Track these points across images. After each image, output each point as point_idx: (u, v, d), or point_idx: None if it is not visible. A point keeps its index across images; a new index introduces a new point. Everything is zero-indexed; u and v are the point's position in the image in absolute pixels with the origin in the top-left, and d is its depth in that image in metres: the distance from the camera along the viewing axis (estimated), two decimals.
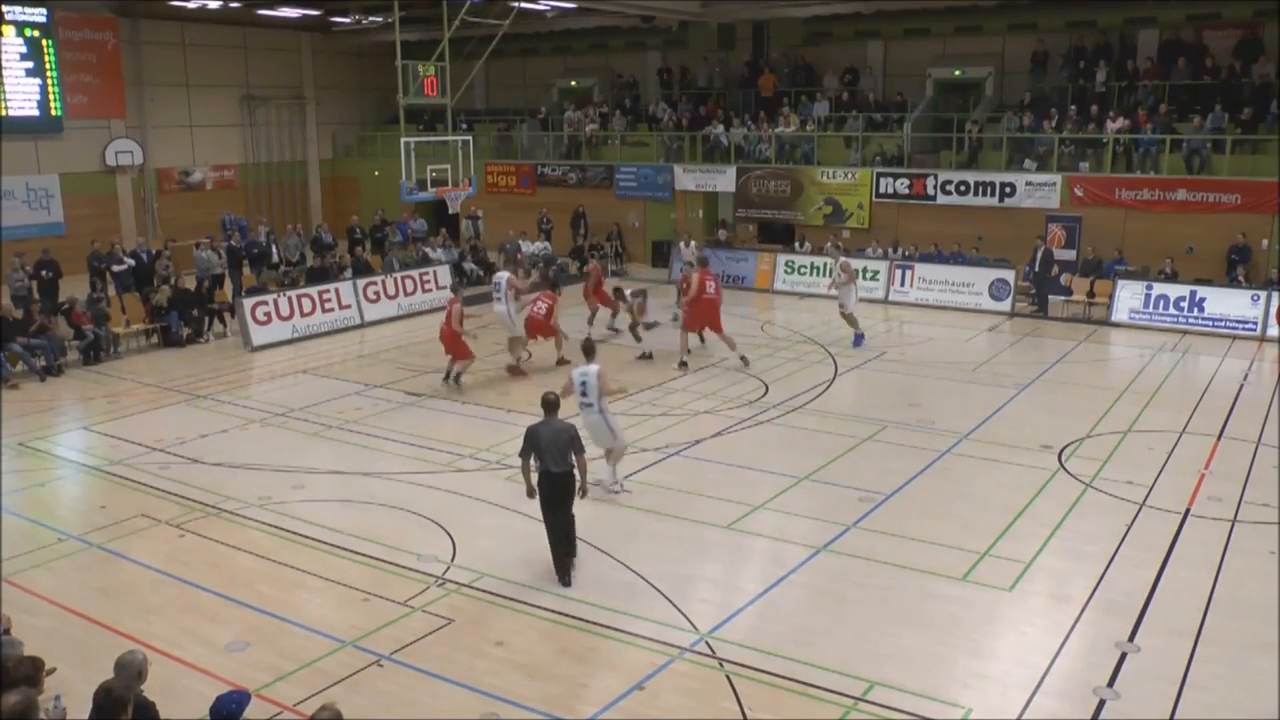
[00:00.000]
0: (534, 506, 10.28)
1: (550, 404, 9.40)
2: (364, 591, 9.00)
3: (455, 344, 15.50)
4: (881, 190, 25.05)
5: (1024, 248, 21.63)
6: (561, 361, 16.58)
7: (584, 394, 10.74)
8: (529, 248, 26.00)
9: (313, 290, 20.20)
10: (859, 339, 18.23)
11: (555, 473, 9.01)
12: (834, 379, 16.16)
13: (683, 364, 16.75)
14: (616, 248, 27.41)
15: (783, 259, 24.37)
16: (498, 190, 30.57)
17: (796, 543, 9.92)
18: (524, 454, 9.19)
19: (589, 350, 11.29)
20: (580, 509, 10.78)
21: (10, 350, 16.41)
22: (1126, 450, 12.64)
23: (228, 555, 9.81)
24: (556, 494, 9.05)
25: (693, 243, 23.04)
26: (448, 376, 15.72)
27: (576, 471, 9.15)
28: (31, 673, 6.36)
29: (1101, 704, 7.20)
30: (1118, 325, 20.14)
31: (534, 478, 9.16)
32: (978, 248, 22.95)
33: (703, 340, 18.09)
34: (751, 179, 26.75)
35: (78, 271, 21.90)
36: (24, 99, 26.06)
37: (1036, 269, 21.17)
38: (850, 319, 18.28)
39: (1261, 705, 7.19)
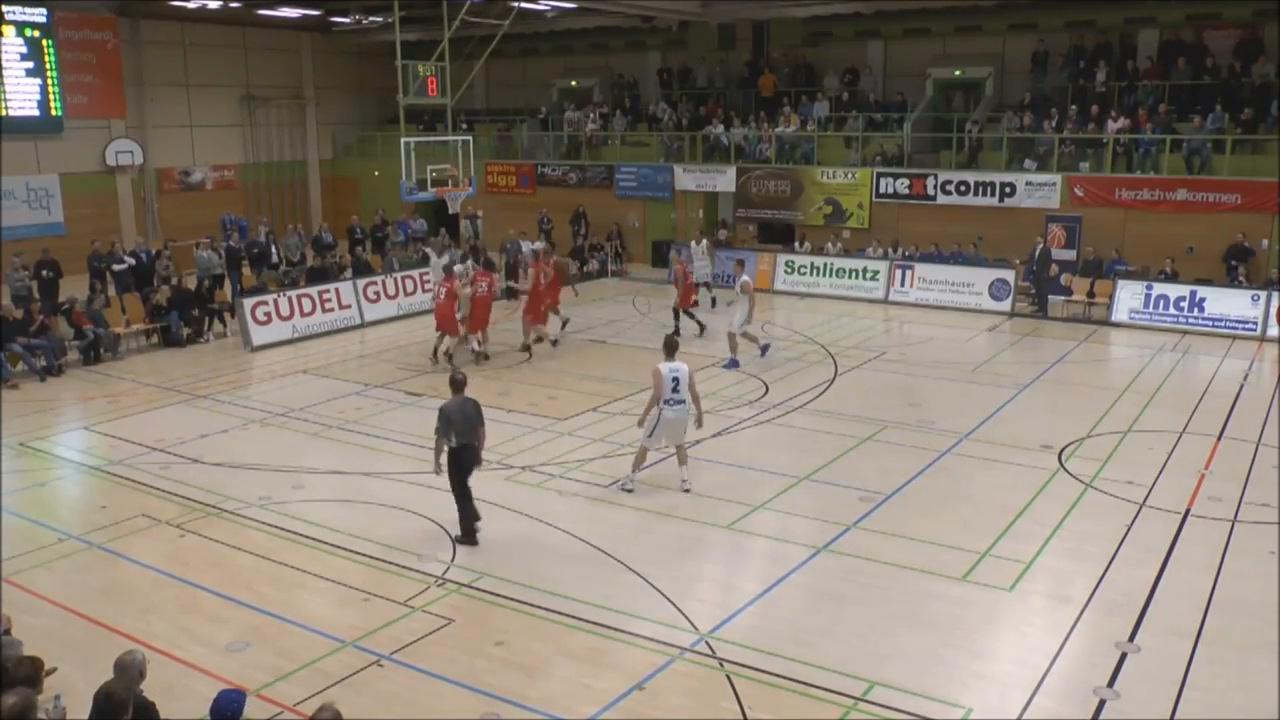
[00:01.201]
0: (537, 508, 10.29)
1: (459, 383, 10.03)
2: (364, 591, 9.00)
3: (450, 320, 16.63)
4: (881, 190, 25.05)
5: (1024, 248, 21.64)
6: (482, 356, 17.27)
7: (675, 389, 10.97)
8: (529, 247, 25.98)
9: (313, 290, 20.20)
10: (733, 363, 16.70)
11: (469, 446, 9.73)
12: (834, 379, 16.16)
13: (559, 341, 18.12)
14: (616, 248, 27.42)
15: (783, 259, 24.37)
16: (498, 190, 30.59)
17: (796, 543, 9.93)
18: (443, 431, 9.69)
19: (673, 347, 11.44)
20: (581, 509, 10.85)
21: (10, 350, 16.42)
22: (1126, 450, 12.64)
23: (228, 555, 9.82)
24: (466, 466, 9.76)
25: (704, 241, 22.37)
26: (436, 354, 16.72)
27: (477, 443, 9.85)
28: (31, 673, 6.35)
29: (1101, 704, 7.20)
30: (1118, 325, 20.15)
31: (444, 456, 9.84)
32: (976, 245, 22.92)
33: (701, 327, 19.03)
34: (751, 179, 26.76)
35: (78, 271, 21.90)
36: (24, 99, 26.07)
37: (1035, 268, 21.19)
38: (732, 339, 16.78)
39: (1261, 705, 7.19)
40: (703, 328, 19.17)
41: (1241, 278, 20.28)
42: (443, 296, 16.70)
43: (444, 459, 9.82)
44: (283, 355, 18.27)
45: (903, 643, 8.05)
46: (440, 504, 10.86)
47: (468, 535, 9.92)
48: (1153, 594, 8.85)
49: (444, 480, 11.56)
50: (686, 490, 11.18)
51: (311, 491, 11.47)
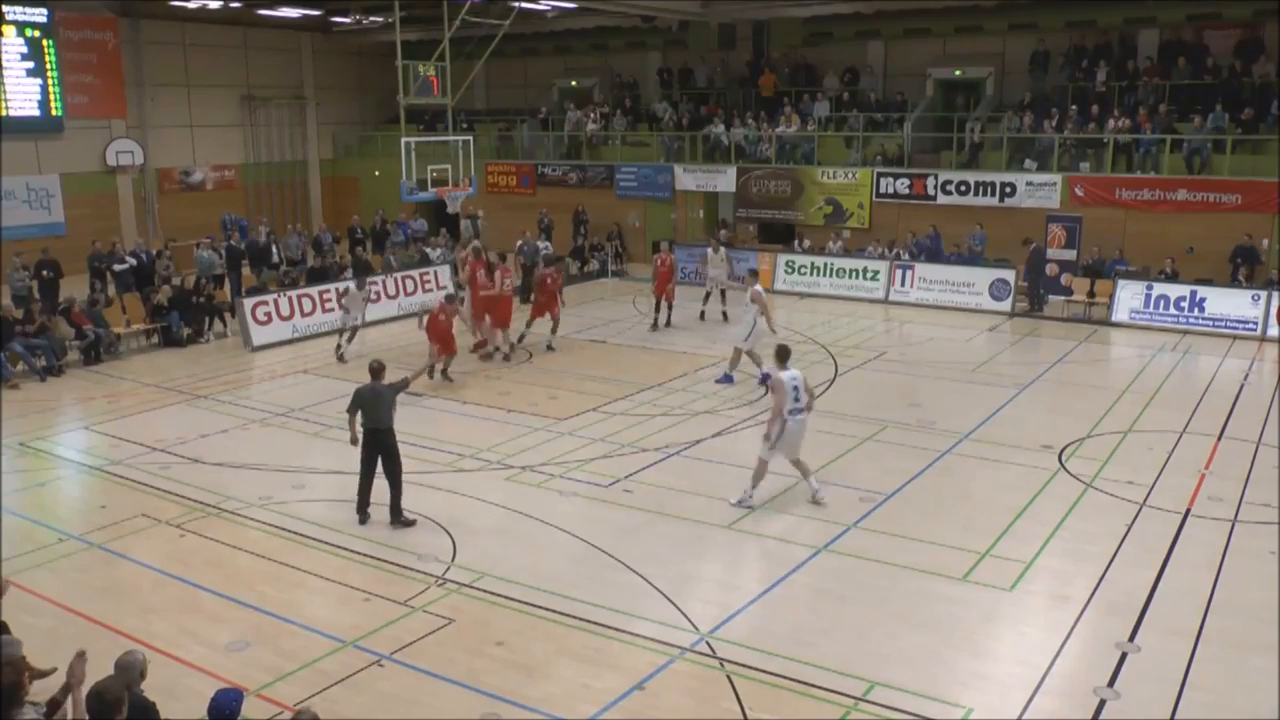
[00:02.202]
0: (537, 508, 10.30)
1: (375, 370, 10.61)
2: (364, 591, 9.00)
3: (446, 338, 15.89)
4: (882, 190, 25.06)
5: (1024, 247, 21.59)
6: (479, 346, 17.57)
7: (797, 399, 10.68)
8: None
9: (313, 290, 20.20)
10: (726, 378, 15.80)
11: (377, 430, 10.31)
12: (834, 379, 16.15)
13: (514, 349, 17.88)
14: (616, 248, 27.41)
15: (783, 259, 24.36)
16: (498, 190, 30.58)
17: (796, 543, 9.93)
18: (350, 410, 10.49)
19: (786, 354, 11.00)
20: (581, 509, 10.84)
21: (10, 350, 16.41)
22: (1127, 450, 12.64)
23: (228, 555, 9.82)
24: (377, 448, 10.34)
25: (722, 250, 21.25)
26: (432, 372, 15.95)
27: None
28: (15, 678, 6.22)
29: (1102, 704, 7.20)
30: (1118, 325, 20.14)
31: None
32: (981, 226, 22.84)
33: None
34: (752, 179, 26.76)
35: (78, 271, 21.90)
36: (24, 99, 26.07)
37: (1029, 268, 21.21)
38: (737, 355, 15.81)
39: (1261, 705, 7.19)
40: (668, 323, 19.85)
41: (1242, 278, 20.27)
42: (443, 318, 15.79)
43: (360, 434, 10.43)
44: (283, 355, 18.27)
45: (903, 643, 8.05)
46: (440, 503, 10.91)
47: (360, 509, 10.52)
48: (1153, 594, 8.85)
49: (443, 479, 11.61)
50: (821, 502, 10.78)
51: (311, 491, 11.47)
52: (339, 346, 17.98)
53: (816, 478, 11.00)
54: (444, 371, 16.14)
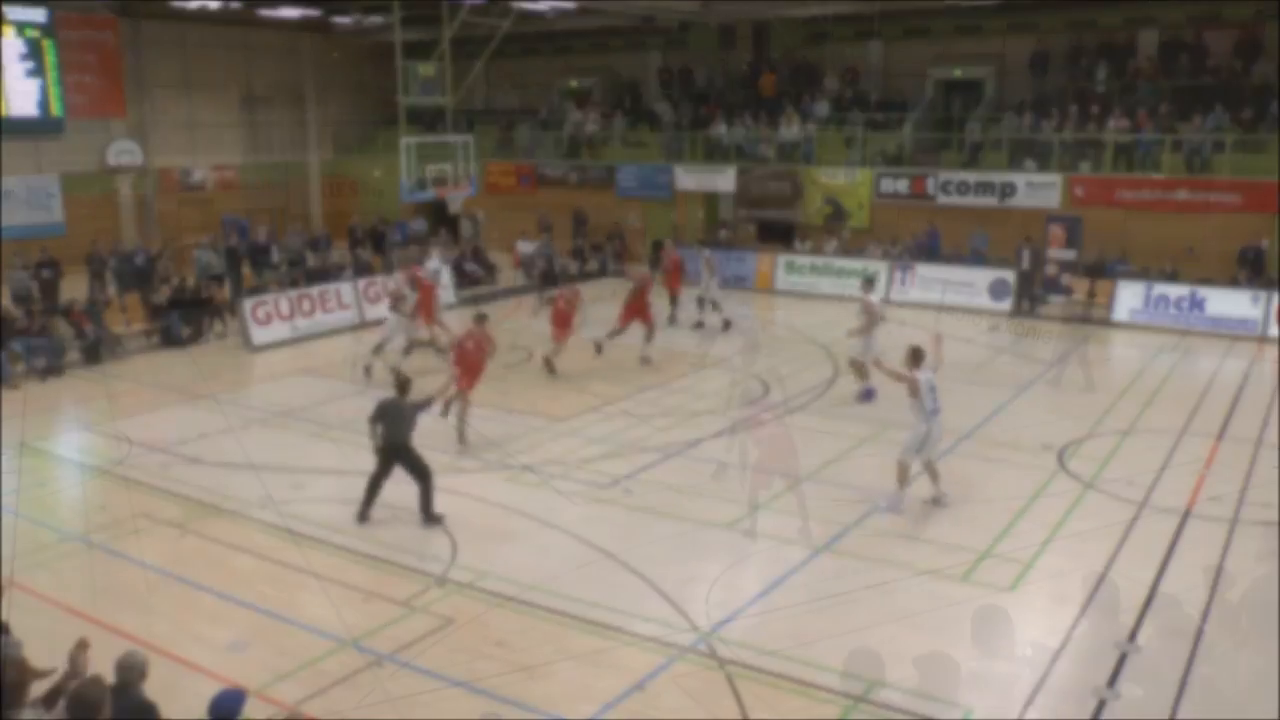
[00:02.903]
0: (537, 508, 10.31)
1: (401, 385, 10.71)
2: (364, 591, 9.00)
3: (474, 370, 13.37)
4: (882, 190, 25.06)
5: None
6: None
7: (934, 400, 10.58)
8: (526, 248, 25.96)
9: (313, 290, 20.21)
10: (869, 393, 14.70)
11: (395, 444, 10.33)
12: (834, 379, 16.14)
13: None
14: (617, 247, 27.40)
15: (783, 259, 24.37)
16: (498, 190, 30.57)
17: (797, 543, 9.92)
18: (372, 420, 10.48)
19: (920, 355, 10.81)
20: (581, 509, 10.83)
21: (10, 350, 16.41)
22: (1126, 450, 12.64)
23: (228, 555, 9.82)
24: (394, 460, 10.41)
25: (705, 252, 20.72)
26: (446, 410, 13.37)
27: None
28: (18, 678, 6.20)
29: (1102, 704, 7.20)
30: (1118, 325, 20.14)
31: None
32: (982, 226, 22.87)
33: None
34: (752, 179, 26.75)
35: (78, 271, 21.89)
36: (24, 99, 26.02)
37: (1024, 268, 21.20)
38: (861, 368, 14.74)
39: (1261, 705, 7.18)
40: (669, 322, 19.71)
41: (1242, 279, 20.24)
42: (471, 345, 13.23)
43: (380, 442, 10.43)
44: (283, 355, 18.27)
45: (903, 643, 8.04)
46: (440, 503, 10.87)
47: (361, 510, 10.56)
48: (1153, 594, 8.85)
49: (443, 479, 11.57)
50: (944, 503, 10.79)
51: (311, 491, 11.47)
52: (383, 354, 16.32)
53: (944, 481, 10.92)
54: (450, 410, 13.32)
